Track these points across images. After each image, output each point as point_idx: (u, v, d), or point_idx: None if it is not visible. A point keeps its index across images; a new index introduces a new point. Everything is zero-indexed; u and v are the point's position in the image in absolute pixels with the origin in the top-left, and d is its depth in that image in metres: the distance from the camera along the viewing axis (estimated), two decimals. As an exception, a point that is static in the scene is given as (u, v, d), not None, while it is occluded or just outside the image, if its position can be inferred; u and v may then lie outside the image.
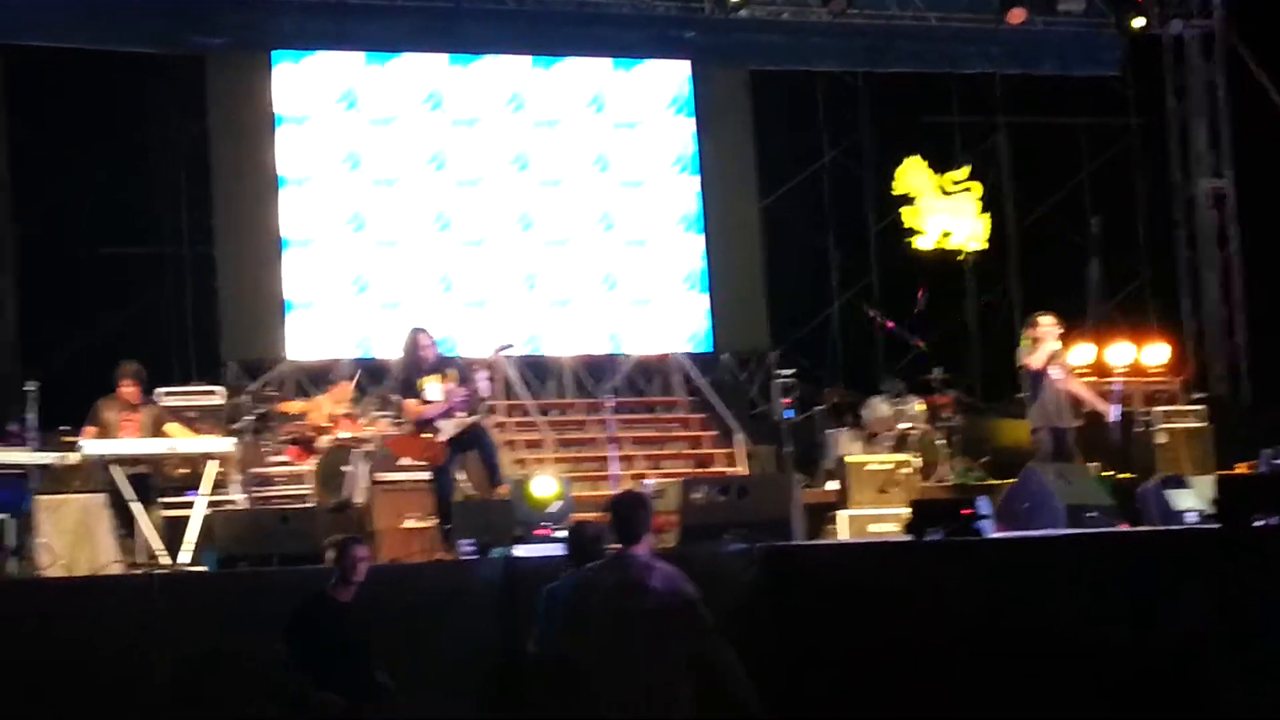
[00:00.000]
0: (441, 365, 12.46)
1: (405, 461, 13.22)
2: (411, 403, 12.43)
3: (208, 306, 17.78)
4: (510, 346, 13.84)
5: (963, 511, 10.68)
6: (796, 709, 8.96)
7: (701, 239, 19.03)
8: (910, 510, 11.36)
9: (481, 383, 12.46)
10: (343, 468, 14.02)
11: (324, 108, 18.13)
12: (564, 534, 10.37)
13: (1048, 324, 13.97)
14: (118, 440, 12.25)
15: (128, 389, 12.60)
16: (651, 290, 18.84)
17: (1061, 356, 14.04)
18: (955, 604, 9.61)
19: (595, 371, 18.43)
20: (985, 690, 9.17)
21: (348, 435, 14.38)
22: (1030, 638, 8.98)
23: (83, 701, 9.74)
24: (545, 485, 13.26)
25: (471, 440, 12.27)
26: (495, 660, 10.19)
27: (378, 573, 10.34)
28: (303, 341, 17.69)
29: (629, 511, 7.39)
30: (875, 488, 13.89)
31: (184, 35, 17.65)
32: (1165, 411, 16.45)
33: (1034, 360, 13.84)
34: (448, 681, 9.73)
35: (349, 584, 9.14)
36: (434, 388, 12.21)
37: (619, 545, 7.29)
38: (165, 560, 11.60)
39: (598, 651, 7.00)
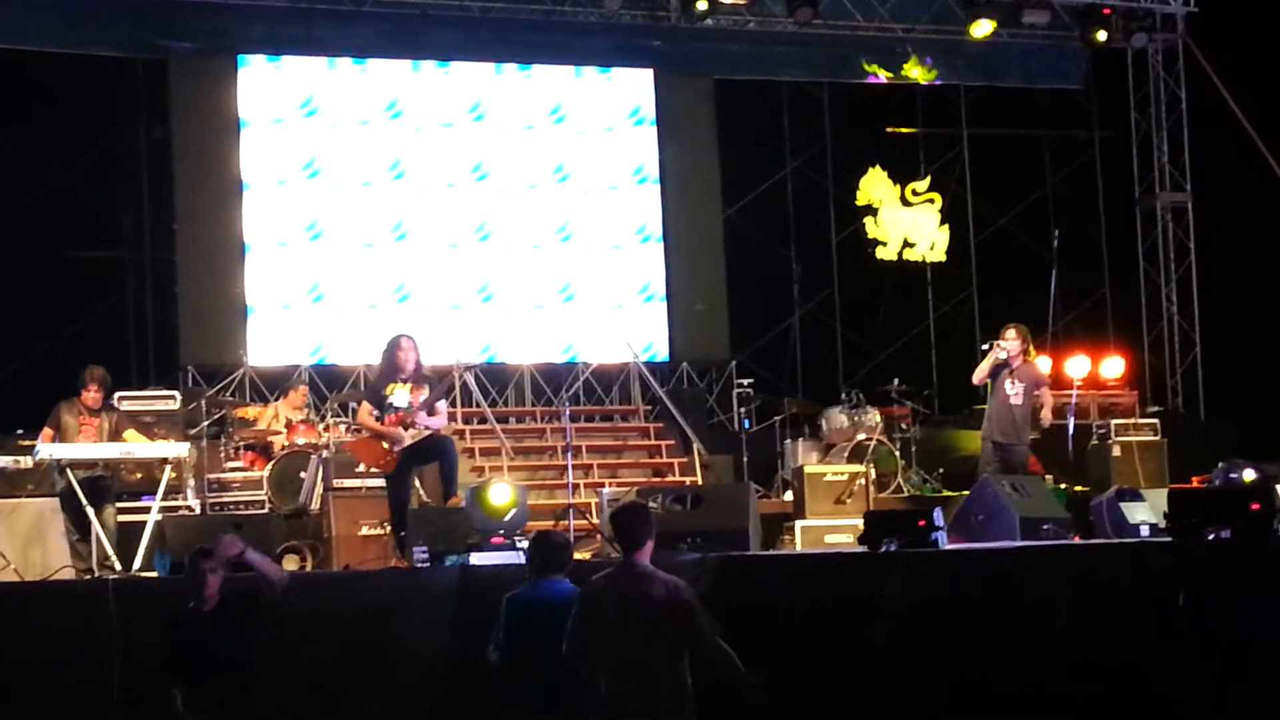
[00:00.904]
0: (416, 377, 12.34)
1: (362, 468, 13.23)
2: (365, 409, 12.41)
3: (167, 311, 17.82)
4: (474, 367, 13.87)
5: (918, 523, 10.76)
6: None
7: (660, 249, 19.08)
8: (865, 521, 11.45)
9: (440, 405, 12.42)
10: (299, 474, 14.06)
11: (286, 113, 18.13)
12: (525, 544, 10.42)
13: (1007, 338, 14.05)
14: (74, 445, 12.26)
15: (92, 394, 12.60)
16: (610, 300, 18.87)
17: (1022, 371, 14.03)
18: (909, 615, 9.68)
19: (553, 380, 18.46)
20: (937, 701, 9.24)
21: (304, 441, 14.41)
22: (983, 650, 9.05)
23: (34, 705, 9.73)
24: (501, 493, 13.26)
25: (434, 451, 12.23)
26: (448, 667, 10.29)
27: (332, 579, 10.39)
28: (261, 347, 17.68)
29: (632, 522, 8.04)
30: (832, 498, 13.97)
31: (152, 40, 17.68)
32: (1121, 425, 16.56)
33: (975, 373, 14.02)
34: (401, 688, 9.76)
35: (202, 598, 8.87)
36: (401, 395, 12.15)
37: (619, 554, 7.97)
38: (118, 565, 11.63)
39: (608, 654, 7.66)
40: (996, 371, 13.99)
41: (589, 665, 7.83)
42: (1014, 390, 13.88)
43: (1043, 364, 18.05)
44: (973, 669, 8.99)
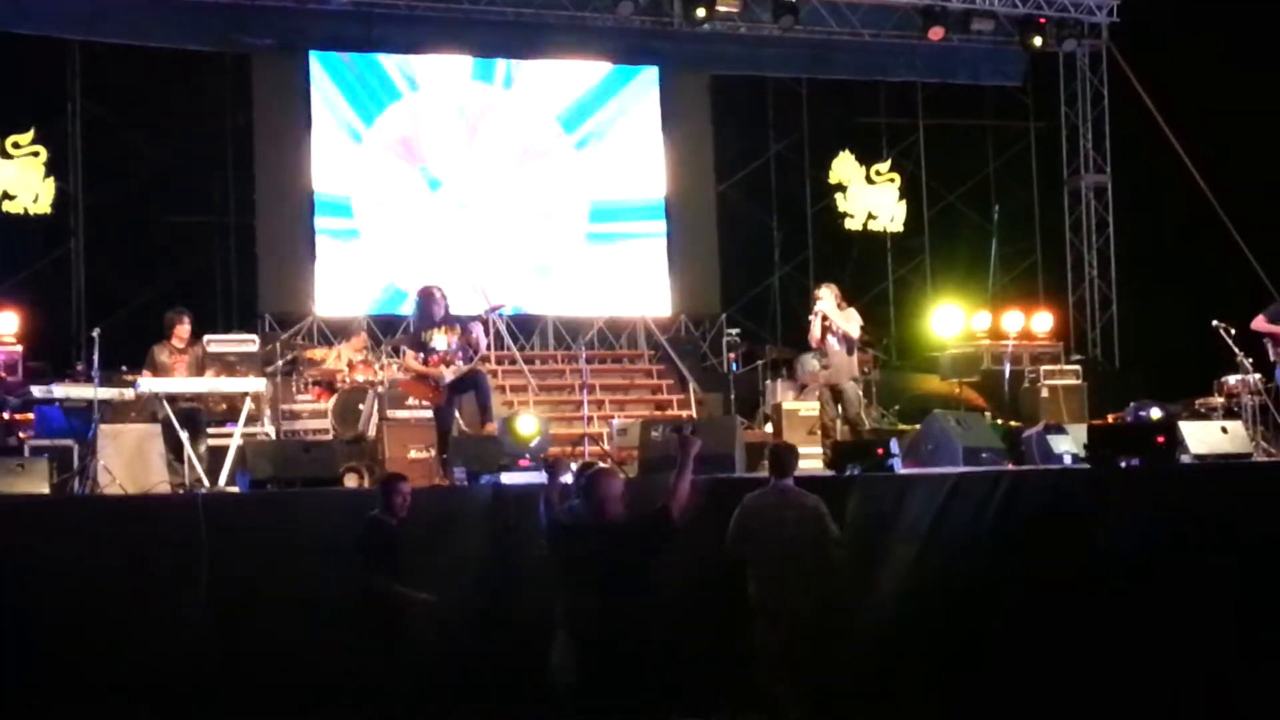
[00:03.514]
0: (448, 320, 12.23)
1: (411, 401, 13.24)
2: (410, 356, 12.32)
3: (248, 268, 17.82)
4: (502, 306, 13.81)
5: (877, 451, 10.77)
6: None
7: (664, 218, 19.01)
8: (833, 449, 11.46)
9: (478, 337, 12.40)
10: (358, 406, 14.06)
11: (350, 99, 18.07)
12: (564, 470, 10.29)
13: (821, 295, 13.40)
14: (169, 379, 12.22)
15: (179, 332, 12.55)
16: (620, 261, 18.80)
17: (834, 321, 13.29)
18: (860, 524, 9.71)
19: (571, 329, 18.44)
20: (887, 588, 9.27)
21: (362, 379, 14.41)
22: (932, 553, 9.07)
23: (136, 599, 9.79)
24: (528, 424, 13.33)
25: (470, 384, 12.14)
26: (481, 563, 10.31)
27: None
28: (327, 299, 17.67)
29: (784, 455, 9.37)
30: (805, 430, 13.93)
31: (237, 37, 17.59)
32: (1048, 370, 16.55)
33: (810, 338, 13.55)
34: (445, 576, 9.75)
35: (393, 513, 9.09)
36: (440, 339, 12.09)
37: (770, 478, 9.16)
38: (206, 482, 11.67)
39: (768, 546, 8.76)
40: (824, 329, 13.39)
41: (745, 554, 8.90)
42: (833, 337, 13.30)
43: (983, 318, 18.11)
44: (922, 568, 9.04)
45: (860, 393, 14.82)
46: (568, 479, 8.40)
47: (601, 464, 8.96)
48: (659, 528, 7.34)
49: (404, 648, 8.87)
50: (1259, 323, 12.81)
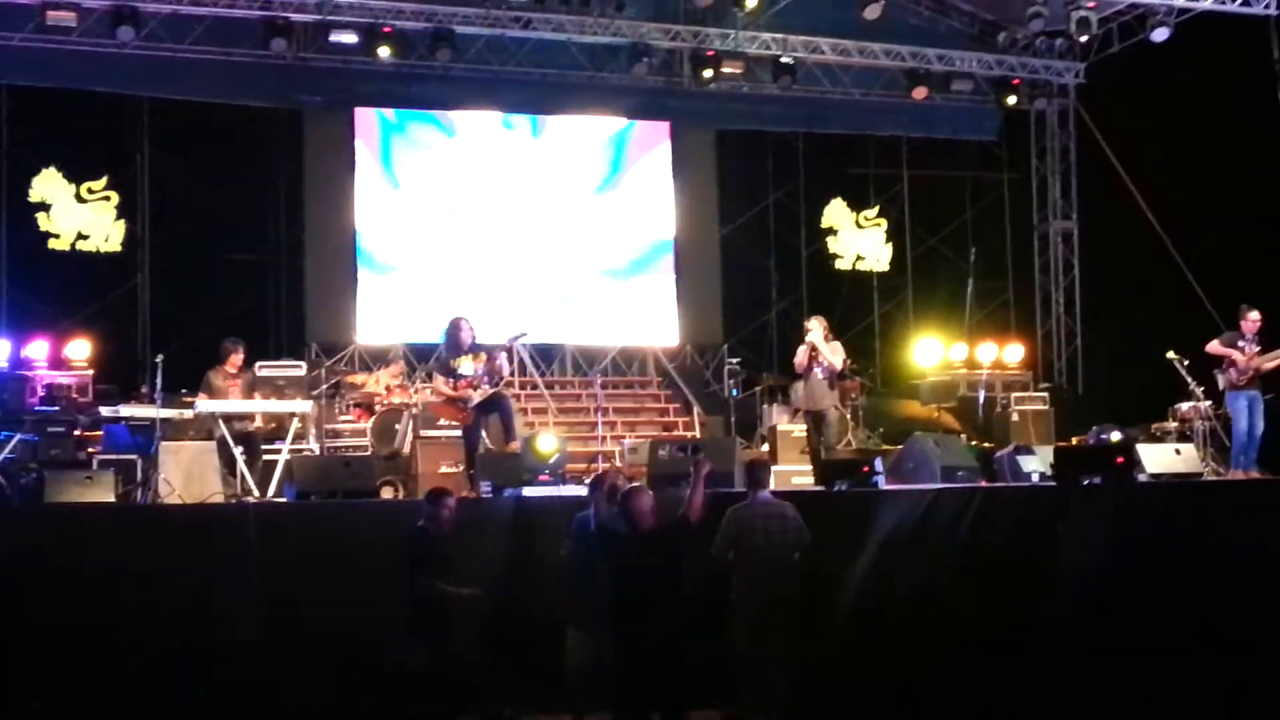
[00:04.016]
0: (475, 348, 12.22)
1: (442, 422, 13.26)
2: (440, 381, 12.33)
3: (297, 301, 17.85)
4: (524, 335, 13.81)
5: (863, 469, 10.78)
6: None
7: (673, 257, 19.03)
8: (822, 468, 11.47)
9: (502, 363, 12.42)
10: (395, 426, 14.08)
11: (390, 152, 18.14)
12: (586, 482, 10.46)
13: (810, 327, 13.09)
14: (224, 401, 12.27)
15: (234, 359, 12.62)
16: (633, 296, 18.80)
17: (821, 352, 12.94)
18: (851, 537, 9.71)
19: (587, 357, 18.44)
20: (868, 593, 9.27)
21: (398, 401, 14.44)
22: (906, 562, 9.08)
23: (192, 598, 9.81)
24: (547, 442, 13.34)
25: (494, 406, 12.13)
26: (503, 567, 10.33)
27: (417, 505, 10.42)
28: (367, 330, 17.72)
29: (757, 470, 9.41)
30: (798, 450, 13.91)
31: (289, 94, 17.70)
32: (1018, 396, 16.48)
33: (797, 364, 13.10)
34: (473, 579, 9.75)
35: (439, 522, 9.23)
36: (467, 365, 12.08)
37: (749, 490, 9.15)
38: (255, 493, 11.70)
39: (754, 553, 8.76)
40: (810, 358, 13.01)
41: (730, 559, 8.94)
42: (818, 367, 12.92)
43: (960, 349, 18.07)
44: (903, 575, 9.05)
45: (843, 418, 14.80)
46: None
47: (633, 483, 8.99)
48: (682, 533, 8.08)
49: (451, 638, 9.00)
50: (1213, 346, 12.81)
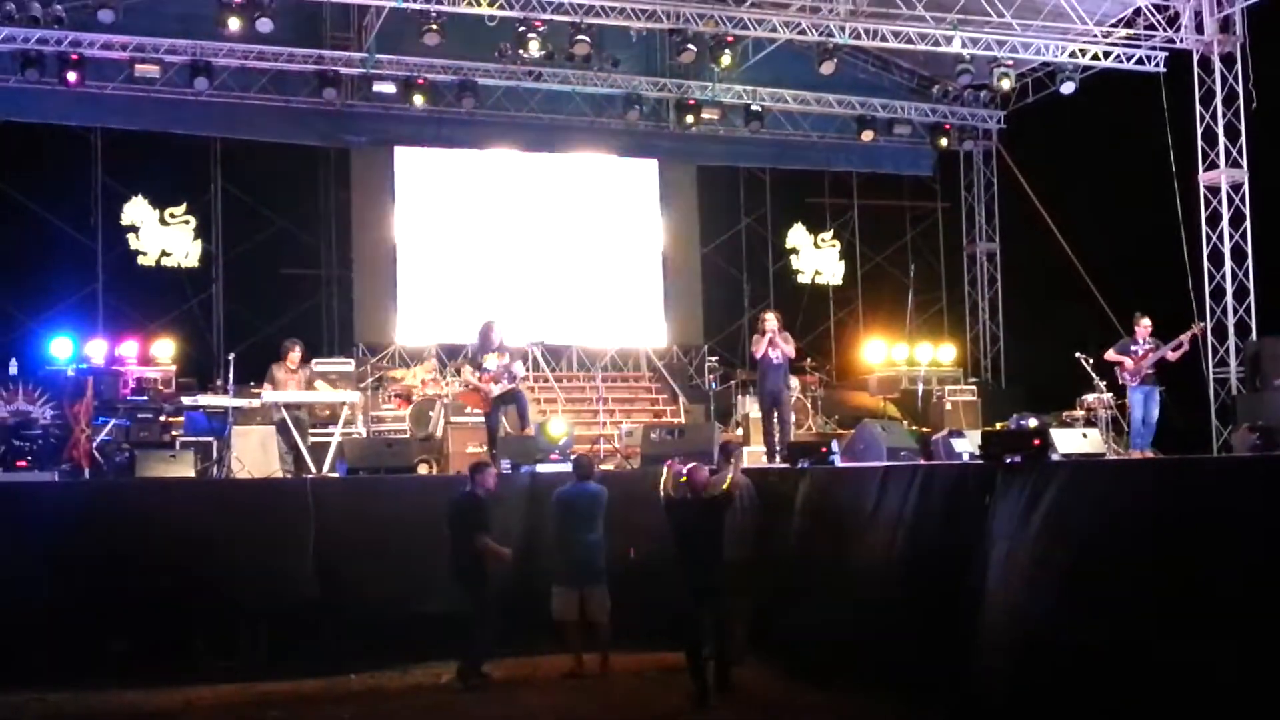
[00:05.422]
0: (500, 348, 12.19)
1: (469, 410, 13.25)
2: (467, 372, 12.37)
3: (346, 308, 17.81)
4: (540, 343, 13.81)
5: (822, 450, 10.78)
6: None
7: (661, 273, 19.01)
8: (788, 449, 11.46)
9: (516, 367, 12.37)
10: (429, 413, 14.07)
11: (425, 183, 18.07)
12: (570, 462, 10.50)
13: (767, 319, 12.62)
14: (285, 392, 12.28)
15: (292, 356, 12.61)
16: (629, 305, 18.76)
17: (777, 340, 12.37)
18: (813, 506, 9.69)
19: (590, 356, 18.39)
20: (823, 554, 9.23)
21: (432, 392, 14.43)
22: (854, 529, 9.04)
23: (258, 557, 9.83)
24: (557, 426, 13.33)
25: (512, 398, 12.13)
26: (521, 534, 10.33)
27: (454, 479, 10.44)
28: (406, 332, 17.65)
29: (732, 449, 9.90)
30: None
31: (338, 135, 17.67)
32: (951, 389, 16.50)
33: (757, 350, 12.50)
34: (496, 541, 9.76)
35: (481, 488, 9.33)
36: (492, 360, 12.06)
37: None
38: (312, 469, 11.69)
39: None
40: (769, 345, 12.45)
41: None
42: (775, 354, 12.37)
43: (902, 349, 18.06)
44: (848, 541, 9.03)
45: (800, 402, 14.84)
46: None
47: (695, 463, 9.04)
48: (725, 501, 8.78)
49: (488, 585, 9.13)
50: (1109, 354, 12.92)
